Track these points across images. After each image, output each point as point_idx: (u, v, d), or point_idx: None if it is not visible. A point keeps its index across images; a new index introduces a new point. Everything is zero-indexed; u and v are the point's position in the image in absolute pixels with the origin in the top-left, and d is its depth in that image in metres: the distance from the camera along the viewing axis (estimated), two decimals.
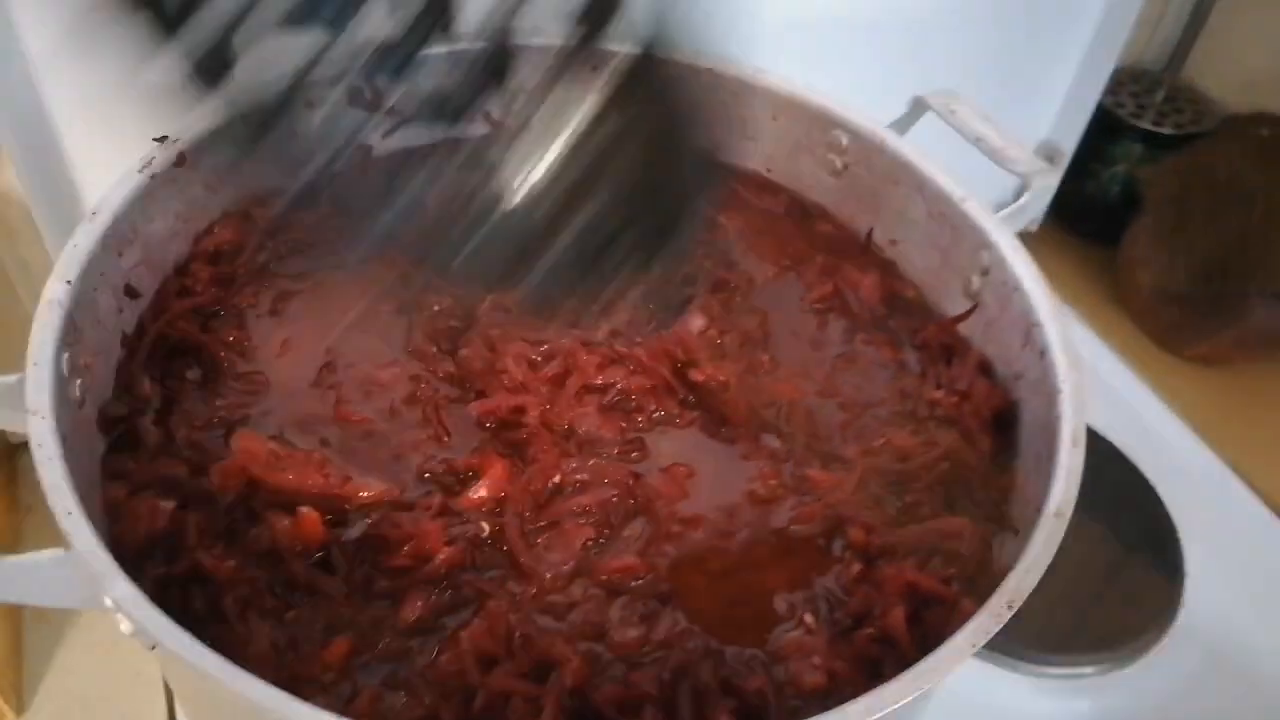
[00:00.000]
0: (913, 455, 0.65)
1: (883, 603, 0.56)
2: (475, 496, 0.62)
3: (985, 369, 0.71)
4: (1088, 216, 1.41)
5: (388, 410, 0.67)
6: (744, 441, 0.67)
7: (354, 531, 0.60)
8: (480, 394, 0.68)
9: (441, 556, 0.58)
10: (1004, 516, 0.62)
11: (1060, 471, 0.56)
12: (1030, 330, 0.66)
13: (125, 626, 0.48)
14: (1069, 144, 1.29)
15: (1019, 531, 0.58)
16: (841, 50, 1.00)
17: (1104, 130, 1.33)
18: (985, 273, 0.72)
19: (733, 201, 0.86)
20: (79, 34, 0.76)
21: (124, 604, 0.46)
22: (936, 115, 0.81)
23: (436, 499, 0.62)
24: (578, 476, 0.64)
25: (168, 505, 0.59)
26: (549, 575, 0.59)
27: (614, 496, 0.63)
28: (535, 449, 0.65)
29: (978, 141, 0.78)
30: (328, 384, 0.69)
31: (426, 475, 0.64)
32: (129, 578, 0.49)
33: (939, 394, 0.69)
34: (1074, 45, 1.20)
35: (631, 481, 0.64)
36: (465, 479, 0.64)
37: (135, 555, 0.57)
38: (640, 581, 0.60)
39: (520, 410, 0.67)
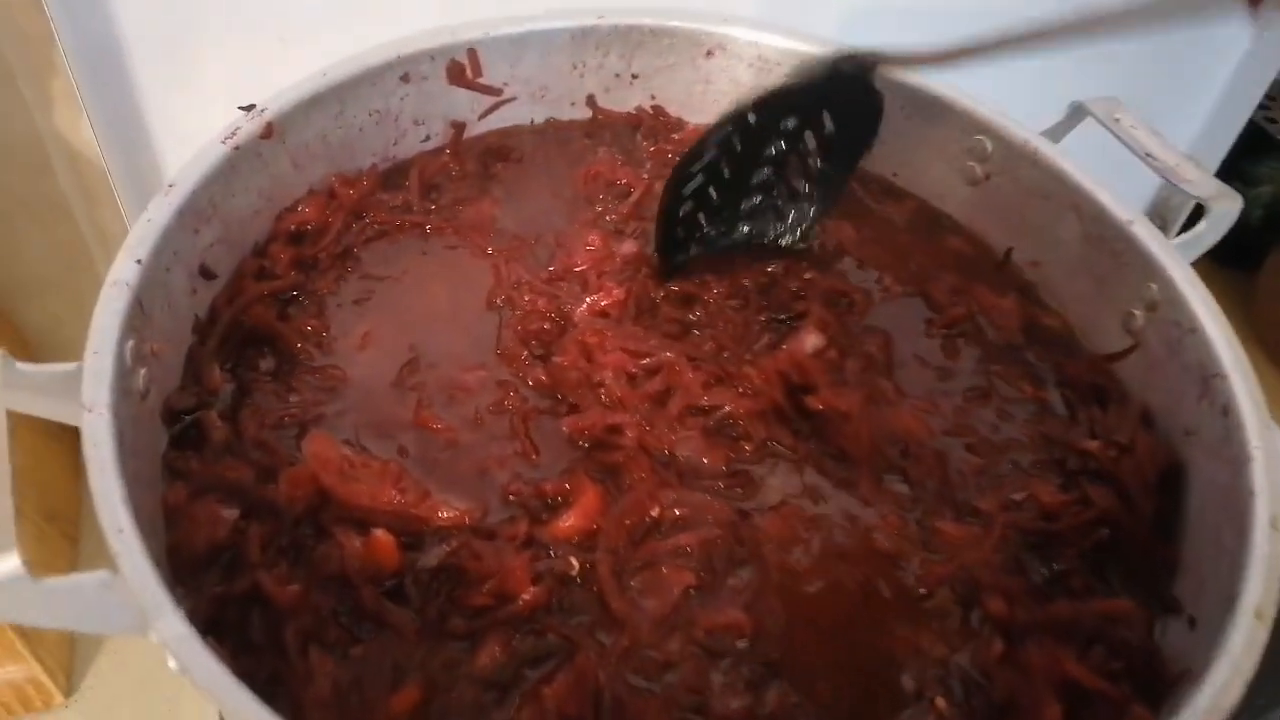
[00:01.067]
0: (1060, 514, 0.57)
1: (1031, 694, 0.49)
2: (564, 526, 0.56)
3: (1148, 421, 0.62)
4: (1224, 241, 1.29)
5: (472, 419, 0.61)
6: (866, 482, 0.60)
7: (430, 559, 0.54)
8: (573, 408, 0.62)
9: (526, 596, 0.52)
10: (1169, 598, 0.53)
11: (1257, 561, 0.48)
12: (1209, 382, 0.57)
13: (172, 664, 0.43)
14: (1213, 161, 1.18)
15: (1196, 622, 0.50)
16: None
17: (1250, 148, 1.21)
18: (1152, 308, 0.63)
19: (851, 207, 0.79)
20: None
21: (173, 644, 0.40)
22: (1097, 123, 0.72)
23: (522, 527, 0.55)
24: (677, 511, 0.57)
25: (230, 514, 0.53)
26: (644, 626, 0.52)
27: (718, 537, 0.56)
28: (631, 475, 0.58)
29: (1147, 157, 0.69)
30: (409, 384, 0.63)
31: (511, 497, 0.58)
32: (185, 600, 0.44)
33: (1093, 444, 0.61)
34: (1227, 56, 1.09)
35: (737, 521, 0.57)
36: (553, 505, 0.57)
37: (192, 567, 0.52)
38: (745, 643, 0.52)
39: (616, 430, 0.60)
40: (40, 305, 0.97)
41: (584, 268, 0.69)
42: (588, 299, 0.67)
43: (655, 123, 0.82)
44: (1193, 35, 1.06)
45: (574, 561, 0.54)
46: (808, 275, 0.71)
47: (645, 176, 0.76)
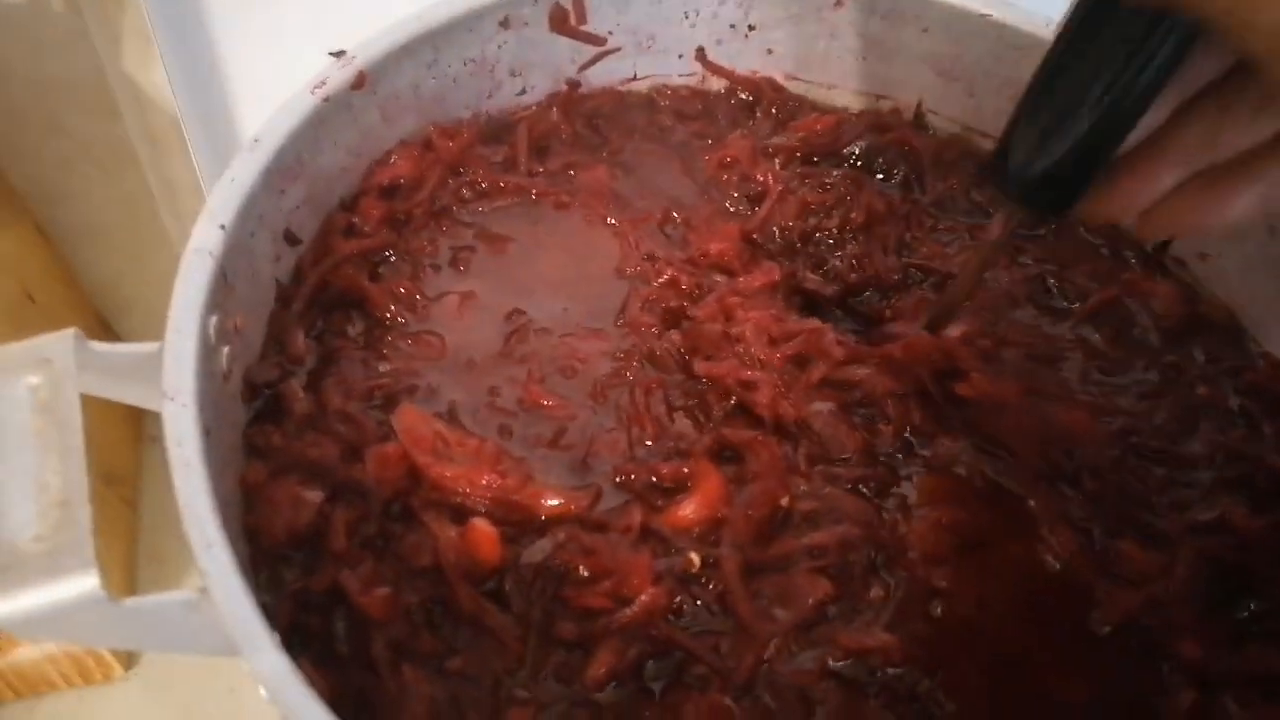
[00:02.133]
0: (1258, 542, 0.50)
1: None
2: (684, 515, 0.50)
3: None
4: None
5: (590, 393, 0.55)
6: (1029, 486, 0.53)
7: (535, 554, 0.48)
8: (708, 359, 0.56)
9: (644, 598, 0.46)
10: None
11: None
12: None
13: (263, 693, 0.38)
14: None
15: None
16: None
17: None
18: None
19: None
20: None
21: (269, 679, 0.35)
22: None
23: (636, 517, 0.49)
24: (809, 504, 0.51)
25: (314, 497, 0.48)
26: (774, 641, 0.46)
27: (856, 539, 0.50)
28: (758, 460, 0.52)
29: None
30: (517, 355, 0.57)
31: (620, 480, 0.52)
32: (266, 608, 0.38)
33: None
34: None
35: (876, 521, 0.51)
36: (670, 490, 0.52)
37: (271, 553, 0.46)
38: (896, 670, 0.46)
39: (750, 386, 0.55)
40: (100, 256, 0.92)
41: (725, 254, 0.63)
42: (739, 279, 0.61)
43: (775, 98, 0.74)
44: None
45: (695, 559, 0.48)
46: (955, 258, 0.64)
47: (777, 183, 0.68)
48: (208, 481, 0.39)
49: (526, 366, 0.56)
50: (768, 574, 0.49)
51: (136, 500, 0.92)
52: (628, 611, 0.46)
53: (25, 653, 0.77)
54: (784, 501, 0.51)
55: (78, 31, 0.74)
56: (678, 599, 0.47)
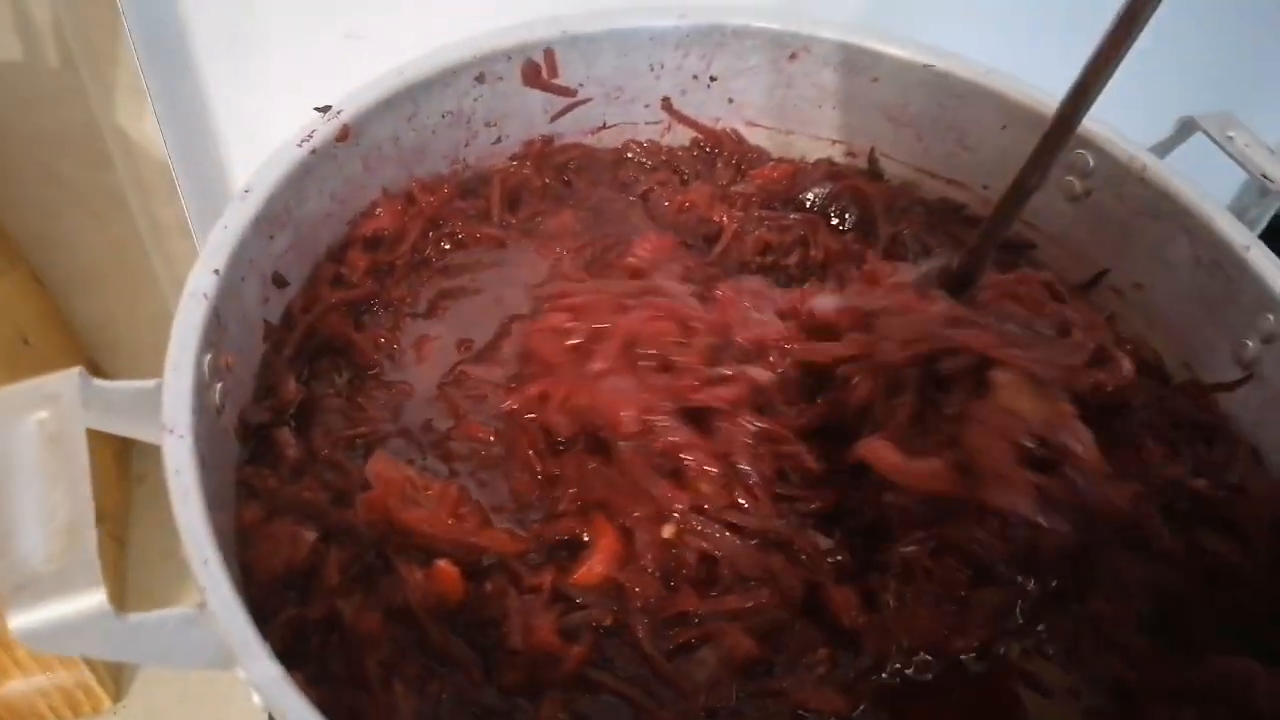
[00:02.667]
0: (1178, 562, 0.54)
1: None
2: (588, 574, 0.52)
3: (1258, 459, 0.59)
4: None
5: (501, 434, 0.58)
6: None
7: (476, 602, 0.51)
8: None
9: (569, 658, 0.49)
10: None
11: None
12: None
13: (257, 700, 0.41)
14: None
15: None
16: (1060, 54, 0.87)
17: None
18: (1268, 340, 0.60)
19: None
20: None
21: (263, 686, 0.38)
22: (1209, 140, 0.68)
23: (547, 577, 0.52)
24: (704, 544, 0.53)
25: (309, 535, 0.51)
26: (704, 694, 0.49)
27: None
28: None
29: (1264, 179, 0.65)
30: (452, 397, 0.61)
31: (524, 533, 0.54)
32: (262, 624, 0.41)
33: (1201, 484, 0.57)
34: None
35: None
36: (572, 545, 0.54)
37: (268, 589, 0.50)
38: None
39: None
40: (93, 299, 0.95)
41: (647, 258, 0.66)
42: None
43: (735, 149, 0.79)
44: None
45: (606, 618, 0.51)
46: None
47: (732, 222, 0.73)
48: (204, 506, 0.42)
49: (458, 407, 0.60)
50: (682, 627, 0.51)
51: (124, 537, 0.94)
52: (558, 669, 0.48)
53: (16, 686, 0.79)
54: (667, 534, 0.52)
55: (73, 86, 0.78)
56: (604, 651, 0.50)
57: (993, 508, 0.49)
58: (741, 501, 0.54)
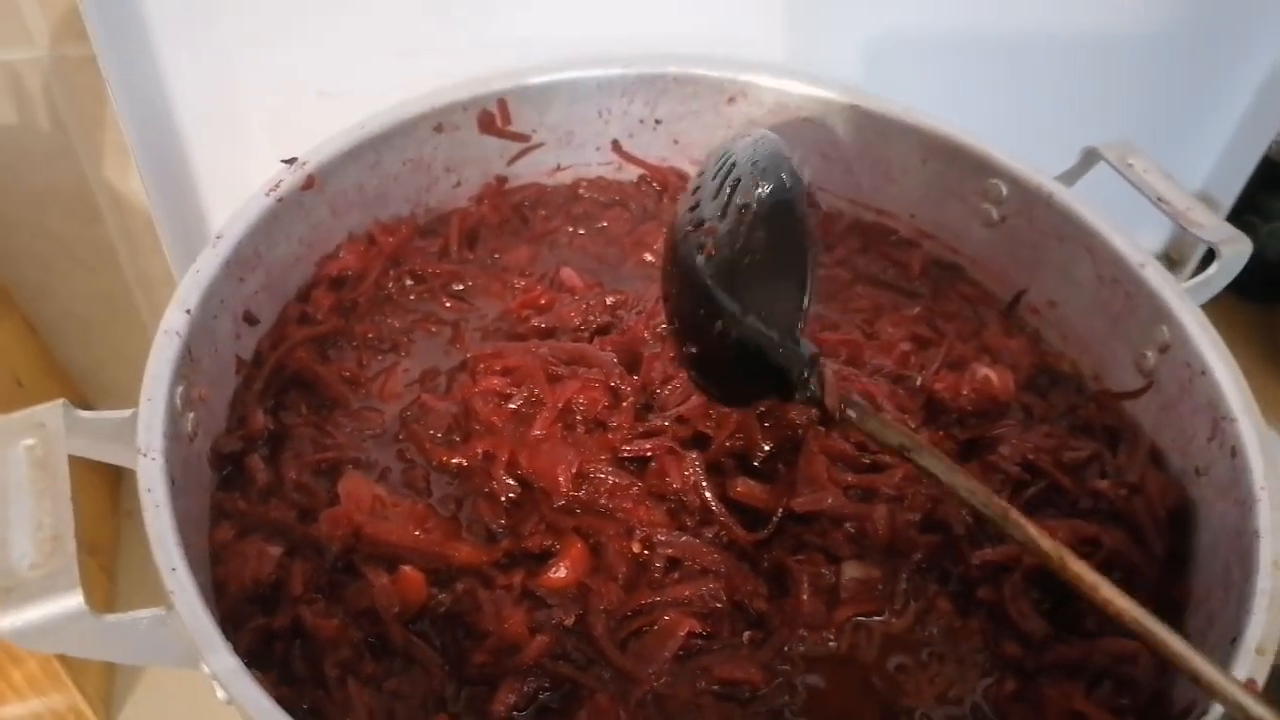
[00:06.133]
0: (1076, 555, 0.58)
1: None
2: (555, 579, 0.57)
3: (1157, 459, 0.64)
4: (1243, 274, 1.30)
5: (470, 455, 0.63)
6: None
7: (443, 603, 0.56)
8: None
9: (531, 648, 0.53)
10: (1181, 634, 0.55)
11: (1259, 598, 0.49)
12: (1219, 423, 0.59)
13: (221, 695, 0.45)
14: (1228, 196, 1.19)
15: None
16: (1000, 90, 0.93)
17: (1266, 181, 1.22)
18: (1164, 350, 0.65)
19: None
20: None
21: (223, 677, 0.43)
22: (1110, 168, 0.74)
23: (517, 578, 0.56)
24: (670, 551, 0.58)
25: (275, 550, 0.56)
26: (652, 678, 0.54)
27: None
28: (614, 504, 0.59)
29: (1159, 202, 0.70)
30: (418, 423, 0.65)
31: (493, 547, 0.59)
32: (230, 632, 0.46)
33: (1104, 484, 0.62)
34: (1241, 91, 1.10)
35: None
36: (542, 556, 0.58)
37: (237, 600, 0.54)
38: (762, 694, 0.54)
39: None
40: (83, 345, 1.00)
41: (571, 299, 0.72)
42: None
43: (680, 186, 0.85)
44: (1205, 75, 1.08)
45: (569, 618, 0.55)
46: None
47: None
48: (173, 520, 0.47)
49: (422, 434, 0.64)
50: (637, 618, 0.56)
51: (115, 571, 0.99)
52: (518, 658, 0.53)
53: (10, 711, 0.83)
54: (636, 548, 0.57)
55: (63, 147, 0.84)
56: (563, 645, 0.54)
57: (803, 510, 0.58)
58: (686, 521, 0.59)
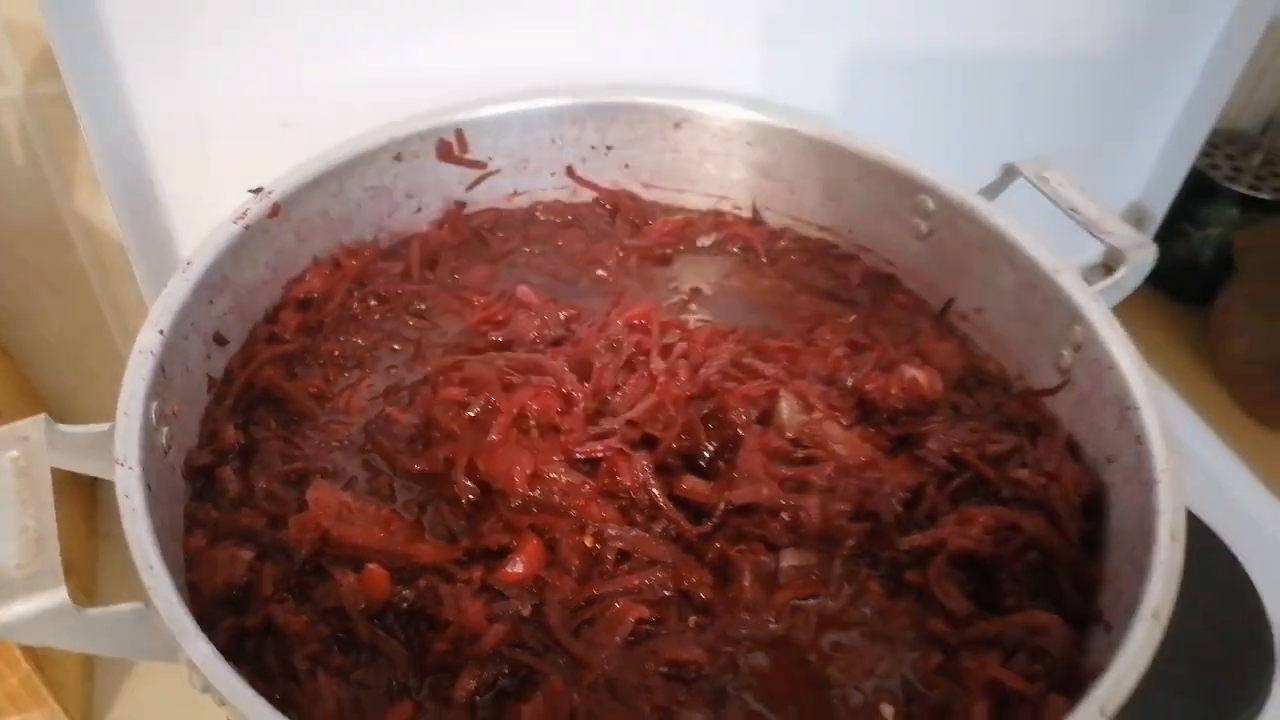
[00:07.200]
0: (995, 540, 0.63)
1: (964, 698, 0.54)
2: (513, 574, 0.60)
3: (1073, 449, 0.69)
4: (1178, 279, 1.37)
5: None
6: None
7: (405, 598, 0.59)
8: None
9: (489, 636, 0.57)
10: (1094, 609, 0.59)
11: (1158, 569, 0.54)
12: (1125, 414, 0.64)
13: (197, 683, 0.49)
14: (1160, 206, 1.25)
15: (1111, 627, 0.56)
16: (925, 111, 0.99)
17: (1198, 192, 1.29)
18: (1078, 348, 0.70)
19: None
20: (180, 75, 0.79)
21: (201, 665, 0.46)
22: (1028, 183, 0.79)
23: (477, 573, 0.60)
24: (620, 545, 0.62)
25: (246, 554, 0.59)
26: (604, 664, 0.57)
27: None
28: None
29: (1072, 212, 0.76)
30: (384, 432, 0.69)
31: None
32: (205, 632, 0.49)
33: (1024, 473, 0.67)
34: (1169, 107, 1.17)
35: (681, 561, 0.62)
36: (500, 553, 0.62)
37: (211, 602, 0.58)
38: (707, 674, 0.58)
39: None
40: (59, 371, 1.03)
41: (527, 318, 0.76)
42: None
43: (632, 207, 0.90)
44: (1135, 92, 1.14)
45: (525, 608, 0.59)
46: None
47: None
48: (149, 522, 0.51)
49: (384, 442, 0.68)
50: (590, 607, 0.59)
51: (91, 590, 1.01)
52: (476, 646, 0.56)
53: None
54: (589, 542, 0.61)
55: (36, 180, 0.87)
56: (520, 634, 0.57)
57: (740, 502, 0.62)
58: (636, 517, 0.63)
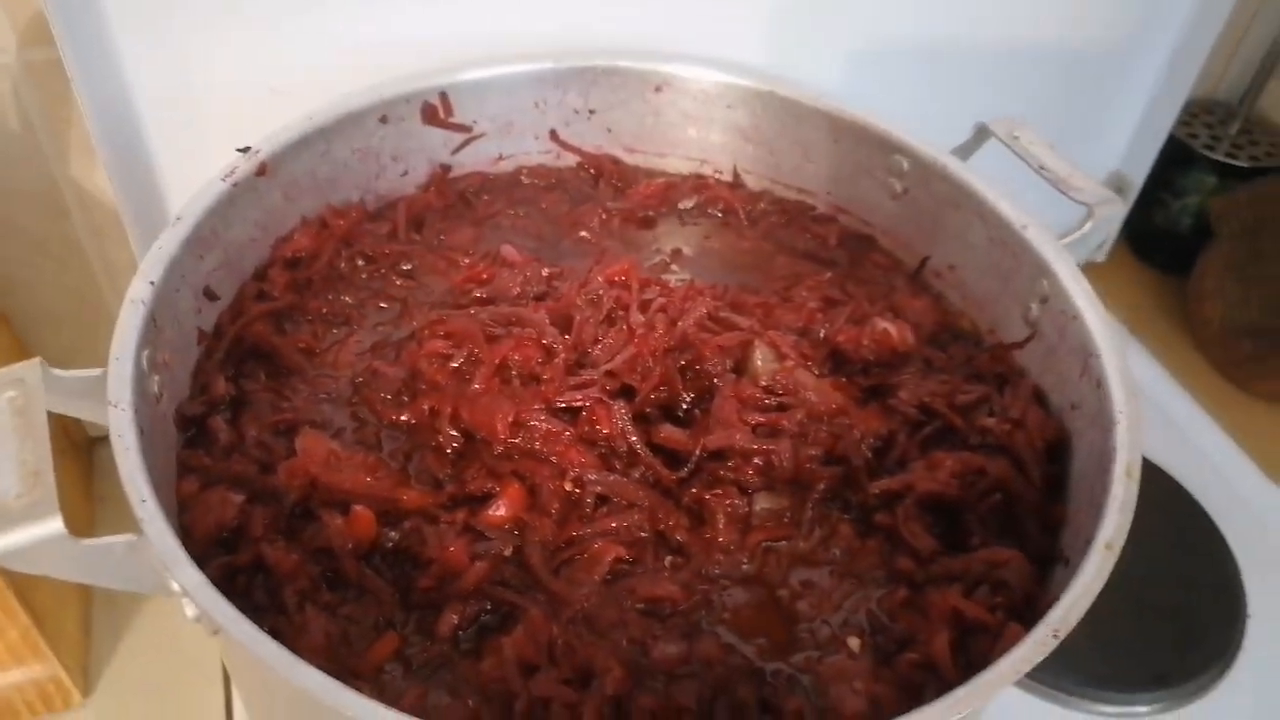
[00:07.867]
0: (962, 483, 0.65)
1: (927, 629, 0.57)
2: (495, 515, 0.62)
3: (1040, 398, 0.71)
4: (1158, 246, 1.39)
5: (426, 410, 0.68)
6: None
7: (390, 539, 0.61)
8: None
9: (471, 573, 0.59)
10: (1056, 549, 0.61)
11: (1113, 503, 0.56)
12: (1088, 361, 0.66)
13: (190, 611, 0.51)
14: (1139, 174, 1.27)
15: (1069, 562, 0.58)
16: (909, 77, 1.01)
17: (1176, 160, 1.30)
18: (1044, 301, 0.72)
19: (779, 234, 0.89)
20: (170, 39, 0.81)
21: (190, 590, 0.48)
22: (999, 142, 0.81)
23: (460, 515, 0.62)
24: (599, 489, 0.64)
25: (237, 498, 0.61)
26: (582, 601, 0.59)
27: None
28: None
29: (1041, 170, 0.78)
30: (372, 386, 0.71)
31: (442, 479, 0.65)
32: (196, 565, 0.51)
33: (991, 421, 0.69)
34: (1147, 75, 1.19)
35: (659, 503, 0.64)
36: (483, 497, 0.64)
37: (203, 543, 0.60)
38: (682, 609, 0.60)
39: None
40: (55, 336, 1.05)
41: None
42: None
43: (614, 170, 0.91)
44: (1112, 62, 1.15)
45: (507, 549, 0.61)
46: None
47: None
48: (141, 459, 0.53)
49: (372, 394, 0.70)
50: (570, 548, 0.62)
51: None
52: (459, 583, 0.59)
53: None
54: (569, 487, 0.63)
55: (32, 147, 0.89)
56: (501, 573, 0.60)
57: (714, 447, 0.65)
58: (615, 464, 0.66)
